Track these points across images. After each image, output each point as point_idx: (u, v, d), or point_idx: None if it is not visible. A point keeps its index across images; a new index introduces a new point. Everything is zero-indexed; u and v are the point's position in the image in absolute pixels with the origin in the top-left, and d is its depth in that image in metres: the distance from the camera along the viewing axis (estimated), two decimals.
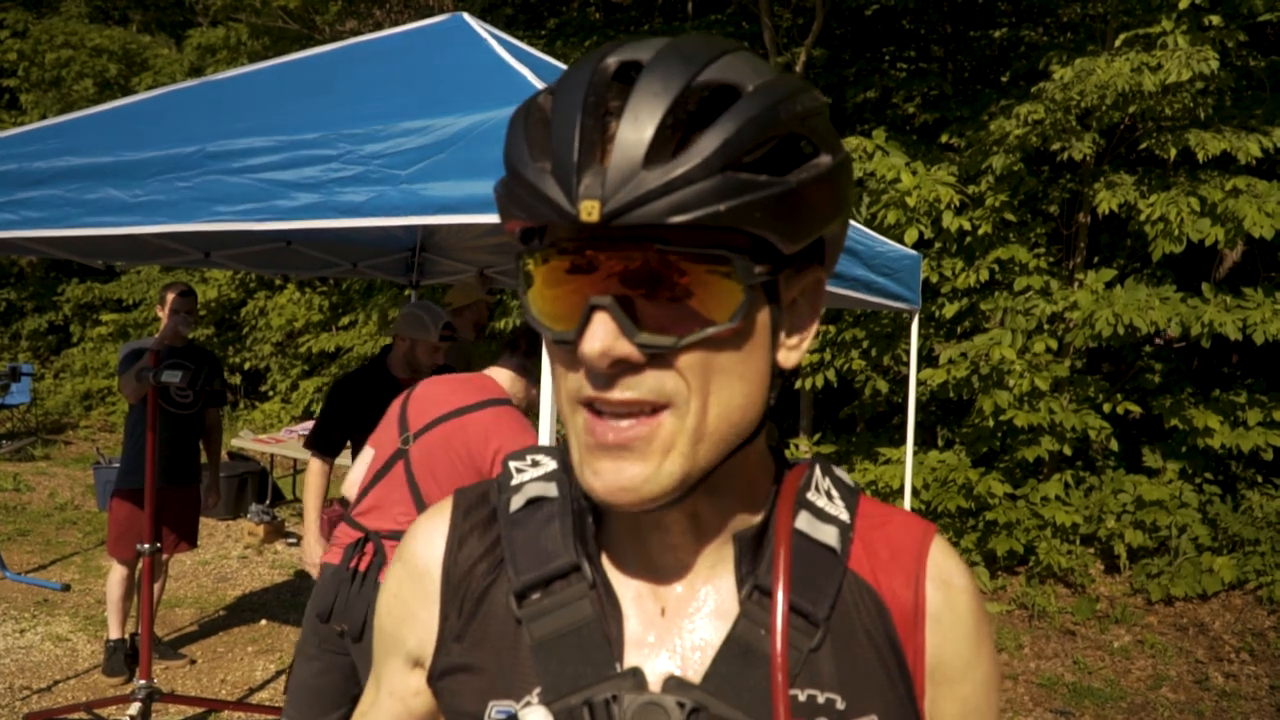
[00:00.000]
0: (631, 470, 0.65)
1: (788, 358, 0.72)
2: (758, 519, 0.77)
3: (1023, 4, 8.71)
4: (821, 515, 0.79)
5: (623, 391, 0.64)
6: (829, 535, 0.78)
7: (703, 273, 0.63)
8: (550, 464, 0.84)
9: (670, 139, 0.61)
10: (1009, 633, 6.09)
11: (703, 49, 0.64)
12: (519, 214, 0.65)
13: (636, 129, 0.60)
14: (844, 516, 0.80)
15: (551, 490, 0.81)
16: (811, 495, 0.80)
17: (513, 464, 0.85)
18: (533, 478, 0.83)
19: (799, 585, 0.74)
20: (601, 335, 0.62)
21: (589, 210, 0.59)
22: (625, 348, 0.63)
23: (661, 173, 0.59)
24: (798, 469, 0.81)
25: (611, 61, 0.64)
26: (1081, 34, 7.70)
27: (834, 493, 0.81)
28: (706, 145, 0.60)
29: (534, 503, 0.80)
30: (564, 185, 0.61)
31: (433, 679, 0.83)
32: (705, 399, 0.65)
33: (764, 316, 0.68)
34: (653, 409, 0.65)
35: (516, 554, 0.78)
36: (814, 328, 0.75)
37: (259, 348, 12.41)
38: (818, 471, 0.82)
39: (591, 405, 0.66)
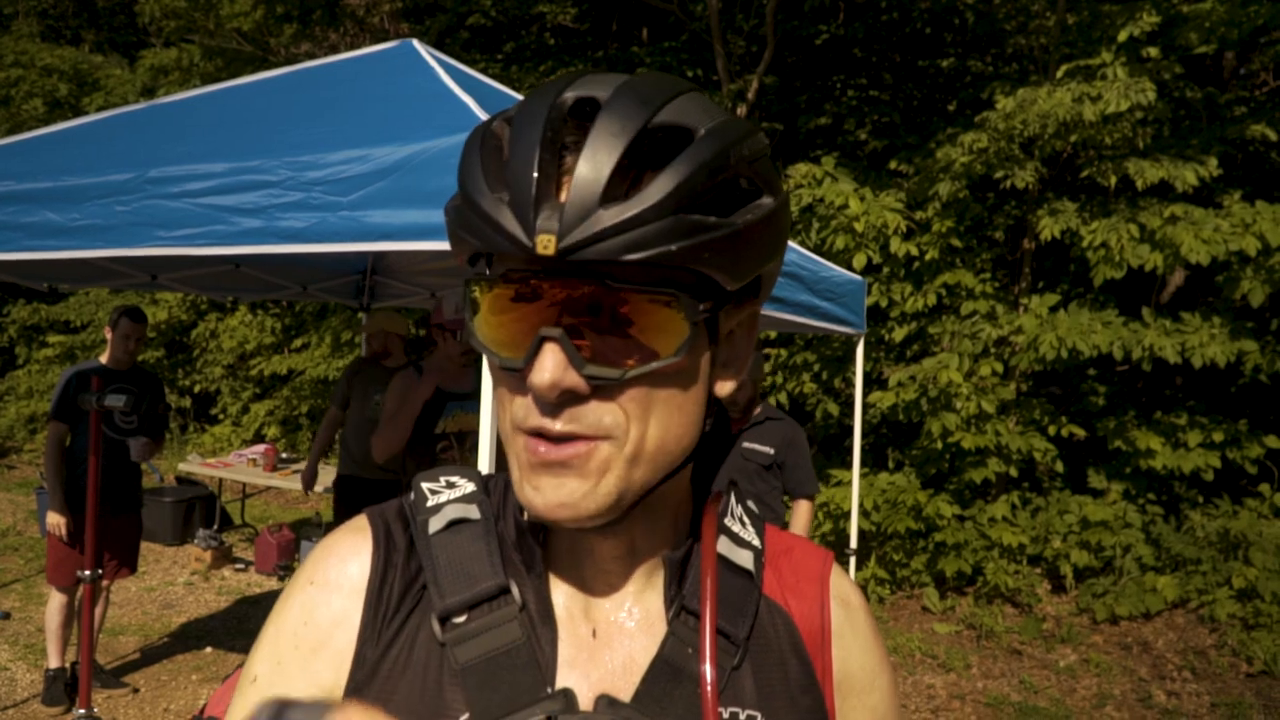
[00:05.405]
0: (570, 486, 0.66)
1: (723, 387, 0.75)
2: (684, 542, 0.79)
3: (969, 35, 8.90)
4: (738, 541, 0.82)
5: (566, 424, 0.65)
6: (745, 560, 0.81)
7: (649, 308, 0.64)
8: (468, 486, 0.82)
9: (625, 178, 0.63)
10: (957, 653, 6.15)
11: (658, 90, 0.66)
12: (473, 240, 0.66)
13: (594, 168, 0.62)
14: (756, 543, 0.83)
15: (473, 512, 0.79)
16: (729, 521, 0.82)
17: (425, 485, 0.82)
18: (451, 499, 0.80)
19: (721, 607, 0.76)
20: (551, 366, 0.63)
21: (545, 244, 0.61)
22: (573, 379, 0.64)
23: (617, 211, 0.61)
24: (716, 495, 0.83)
25: (568, 96, 0.66)
26: (1026, 64, 7.89)
27: (746, 520, 0.84)
28: (661, 187, 0.62)
29: (456, 524, 0.78)
30: (521, 218, 0.62)
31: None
32: (644, 428, 0.67)
33: (704, 349, 0.70)
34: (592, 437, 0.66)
35: (440, 577, 0.75)
36: (749, 357, 0.77)
37: (210, 370, 12.19)
38: (733, 498, 0.85)
39: (534, 432, 0.67)
